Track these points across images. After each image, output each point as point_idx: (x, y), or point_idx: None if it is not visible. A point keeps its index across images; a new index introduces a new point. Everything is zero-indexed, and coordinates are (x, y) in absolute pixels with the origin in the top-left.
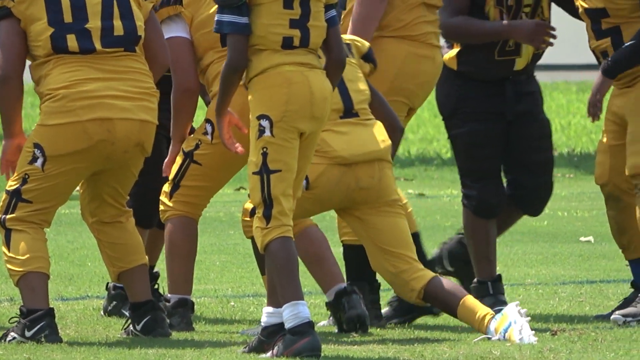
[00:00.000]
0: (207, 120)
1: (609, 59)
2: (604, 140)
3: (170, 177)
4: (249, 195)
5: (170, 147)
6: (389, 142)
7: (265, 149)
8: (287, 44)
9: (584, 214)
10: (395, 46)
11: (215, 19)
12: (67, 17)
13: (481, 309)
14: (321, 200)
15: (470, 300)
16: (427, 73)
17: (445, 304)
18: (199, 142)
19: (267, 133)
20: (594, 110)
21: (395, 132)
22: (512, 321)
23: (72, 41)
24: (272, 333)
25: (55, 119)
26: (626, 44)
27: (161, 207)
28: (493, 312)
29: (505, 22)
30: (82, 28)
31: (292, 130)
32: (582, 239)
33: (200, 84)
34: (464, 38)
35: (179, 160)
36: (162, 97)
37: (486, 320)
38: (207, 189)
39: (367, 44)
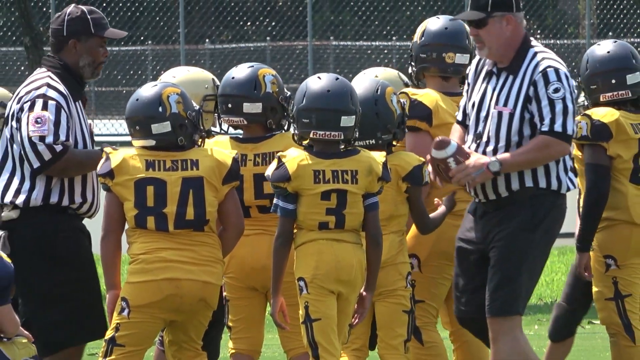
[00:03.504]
0: None
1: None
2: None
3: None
4: None
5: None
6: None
7: (306, 303)
8: (323, 226)
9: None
10: None
11: (274, 201)
12: (150, 202)
13: None
14: None
15: None
16: None
17: None
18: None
19: (305, 291)
20: None
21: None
22: None
23: (150, 222)
24: None
25: (136, 277)
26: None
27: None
28: None
29: None
30: (160, 212)
31: (322, 289)
32: None
33: None
34: None
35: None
36: None
37: None
38: (246, 320)
39: (409, 167)
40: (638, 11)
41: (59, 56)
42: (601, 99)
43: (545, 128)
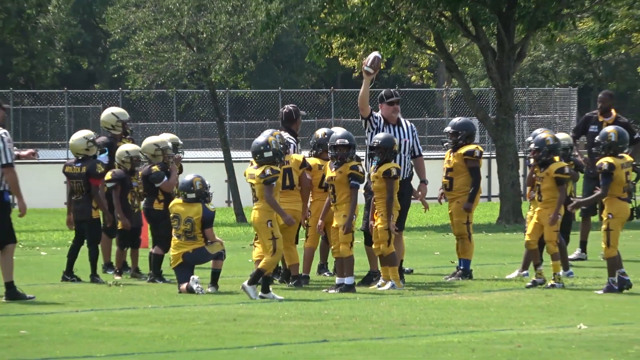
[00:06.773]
0: None
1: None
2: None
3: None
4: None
5: None
6: None
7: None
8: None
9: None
10: None
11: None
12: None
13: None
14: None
15: None
16: None
17: None
18: None
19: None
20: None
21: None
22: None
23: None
24: (345, 287)
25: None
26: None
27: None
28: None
29: None
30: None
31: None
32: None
33: None
34: None
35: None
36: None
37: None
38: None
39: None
40: (468, 107)
41: (291, 126)
42: (472, 141)
43: (422, 153)
